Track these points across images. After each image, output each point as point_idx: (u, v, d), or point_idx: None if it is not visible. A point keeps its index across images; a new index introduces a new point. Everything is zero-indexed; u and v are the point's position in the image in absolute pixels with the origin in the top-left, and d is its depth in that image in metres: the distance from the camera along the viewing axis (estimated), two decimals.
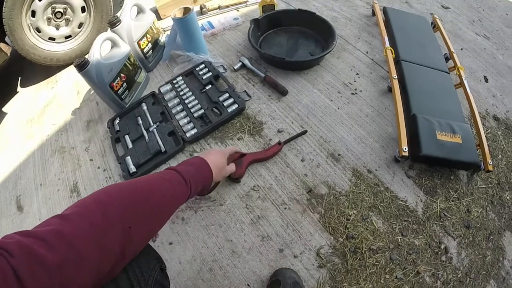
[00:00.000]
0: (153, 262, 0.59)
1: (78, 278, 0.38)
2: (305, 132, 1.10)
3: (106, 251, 0.42)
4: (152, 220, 0.53)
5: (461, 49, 1.45)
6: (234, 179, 0.99)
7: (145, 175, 0.62)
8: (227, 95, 1.18)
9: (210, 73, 1.27)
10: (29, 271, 0.33)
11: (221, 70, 1.30)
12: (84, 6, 1.56)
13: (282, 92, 1.20)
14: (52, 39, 1.57)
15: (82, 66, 1.06)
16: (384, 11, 1.45)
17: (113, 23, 1.22)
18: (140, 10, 1.35)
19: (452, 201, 0.95)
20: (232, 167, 0.90)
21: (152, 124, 1.17)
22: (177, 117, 1.17)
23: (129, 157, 1.09)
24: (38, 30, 1.52)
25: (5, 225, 1.14)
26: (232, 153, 0.96)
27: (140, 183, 0.55)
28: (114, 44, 1.20)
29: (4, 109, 1.69)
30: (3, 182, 1.30)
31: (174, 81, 1.28)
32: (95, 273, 0.40)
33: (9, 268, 0.32)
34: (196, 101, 1.19)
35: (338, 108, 1.17)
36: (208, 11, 1.69)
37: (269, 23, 1.46)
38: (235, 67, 1.34)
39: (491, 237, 0.91)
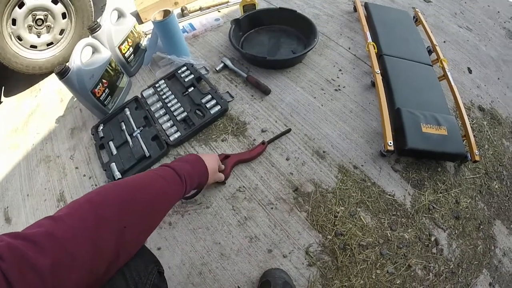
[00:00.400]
0: (151, 266, 0.58)
1: (71, 280, 0.37)
2: (289, 130, 1.09)
3: (99, 251, 0.41)
4: (146, 219, 0.52)
5: (444, 41, 1.46)
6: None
7: (140, 173, 0.62)
8: (209, 96, 1.18)
9: (192, 76, 1.26)
10: (20, 274, 0.33)
11: (203, 71, 1.30)
12: (65, 12, 1.54)
13: (265, 91, 1.20)
14: (34, 46, 1.55)
15: (63, 74, 1.05)
16: (366, 6, 1.45)
17: (93, 29, 1.21)
18: (120, 15, 1.34)
19: (441, 193, 0.96)
20: (221, 176, 0.92)
21: (135, 129, 1.16)
22: (160, 121, 1.16)
23: (114, 163, 1.07)
24: (19, 38, 1.49)
25: None
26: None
27: (133, 181, 0.55)
28: (94, 50, 1.18)
29: None
30: None
31: (157, 85, 1.27)
32: (88, 274, 0.39)
33: None
34: (179, 104, 1.18)
35: (322, 105, 1.17)
36: (189, 13, 1.68)
37: (250, 23, 1.45)
38: (217, 68, 1.33)
39: (481, 226, 0.92)
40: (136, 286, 0.51)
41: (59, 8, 1.51)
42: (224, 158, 1.00)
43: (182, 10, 1.68)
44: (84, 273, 0.39)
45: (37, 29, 1.51)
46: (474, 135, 1.03)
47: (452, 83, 1.15)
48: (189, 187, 0.67)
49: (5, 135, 1.50)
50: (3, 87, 1.82)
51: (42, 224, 0.39)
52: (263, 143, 1.05)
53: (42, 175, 1.22)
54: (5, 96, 1.76)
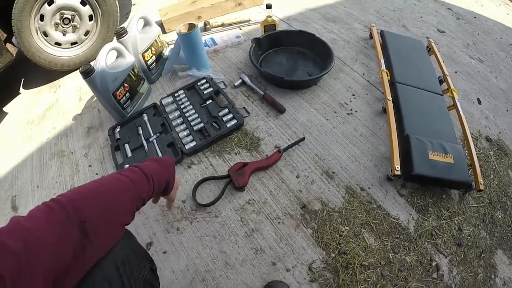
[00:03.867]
0: (144, 263, 0.62)
1: (42, 265, 0.41)
2: (303, 139, 1.13)
3: (63, 238, 0.45)
4: (107, 209, 0.54)
5: (456, 72, 1.49)
6: (238, 188, 1.01)
7: (109, 174, 0.65)
8: (226, 110, 1.21)
9: (211, 89, 1.30)
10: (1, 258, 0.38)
11: (221, 86, 1.34)
12: (92, 15, 1.59)
13: (280, 110, 1.24)
14: (58, 44, 1.60)
15: (88, 73, 1.09)
16: (381, 34, 1.50)
17: (120, 34, 1.26)
18: (146, 23, 1.39)
19: (444, 219, 0.97)
20: (172, 196, 0.88)
21: (152, 134, 1.20)
22: (177, 129, 1.19)
23: (127, 165, 1.10)
24: (45, 34, 1.55)
25: None
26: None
27: (98, 182, 0.58)
28: (119, 54, 1.23)
29: (5, 108, 1.70)
30: (0, 181, 1.30)
31: (176, 94, 1.31)
32: (56, 259, 0.43)
33: None
34: (196, 115, 1.22)
35: (334, 127, 1.20)
36: (212, 28, 1.74)
37: (270, 43, 1.50)
38: (236, 84, 1.37)
39: (482, 255, 0.92)
40: (129, 279, 0.55)
41: (86, 10, 1.57)
42: (242, 166, 1.04)
43: (205, 24, 1.74)
44: (53, 258, 0.43)
45: (63, 27, 1.57)
46: (480, 165, 1.05)
47: (461, 113, 1.17)
48: (157, 185, 0.68)
49: (20, 126, 1.54)
50: (22, 79, 1.87)
51: (13, 219, 0.45)
52: (279, 151, 1.09)
53: (54, 169, 1.25)
54: (24, 88, 1.80)
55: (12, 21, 1.41)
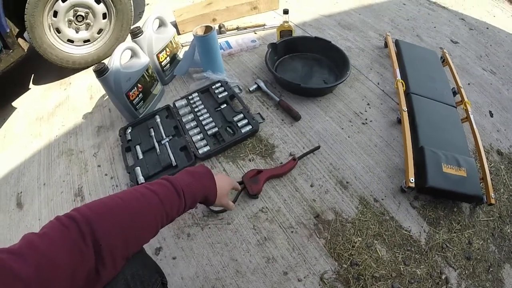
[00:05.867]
0: (155, 276, 0.60)
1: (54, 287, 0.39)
2: (318, 147, 1.13)
3: (79, 260, 0.42)
4: (128, 232, 0.51)
5: (468, 84, 1.49)
6: (252, 195, 1.00)
7: (133, 187, 0.59)
8: (241, 115, 1.21)
9: (226, 93, 1.29)
10: (5, 285, 0.34)
11: (236, 90, 1.33)
12: (106, 13, 1.59)
13: (295, 117, 1.23)
14: (70, 41, 1.60)
15: (102, 72, 1.08)
16: (396, 43, 1.50)
17: (135, 34, 1.25)
18: (162, 23, 1.38)
19: (455, 232, 0.97)
20: (230, 205, 0.88)
21: (164, 137, 1.19)
22: (191, 132, 1.18)
23: (138, 167, 1.09)
24: (58, 30, 1.55)
25: (2, 220, 1.14)
26: (234, 188, 0.94)
27: (120, 197, 0.53)
28: (134, 54, 1.22)
29: (14, 103, 1.69)
30: (5, 176, 1.30)
31: (190, 97, 1.30)
32: (70, 283, 0.41)
33: None
34: (211, 119, 1.21)
35: (349, 137, 1.20)
36: (227, 31, 1.73)
37: (286, 48, 1.49)
38: (251, 89, 1.37)
39: (491, 269, 0.92)
40: None
41: (100, 8, 1.56)
42: (256, 173, 1.03)
43: (220, 27, 1.74)
44: (65, 282, 0.40)
45: (76, 24, 1.57)
46: (491, 179, 1.04)
47: (474, 126, 1.16)
48: (189, 201, 0.63)
49: (29, 122, 1.53)
50: (32, 75, 1.87)
51: (26, 237, 0.42)
52: (294, 159, 1.08)
53: (62, 167, 1.25)
54: (34, 84, 1.80)
55: (25, 16, 1.40)
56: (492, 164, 1.17)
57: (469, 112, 1.21)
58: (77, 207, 0.48)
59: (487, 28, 1.93)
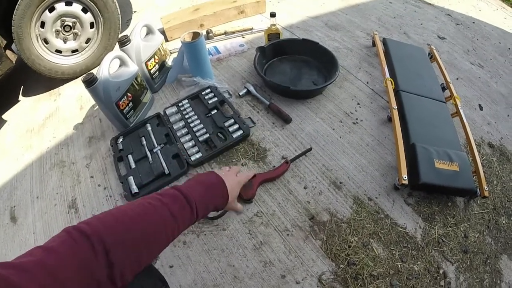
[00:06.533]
0: (159, 285, 0.60)
1: None
2: (310, 149, 1.13)
3: (88, 278, 0.41)
4: (140, 252, 0.49)
5: (457, 78, 1.51)
6: (246, 200, 1.00)
7: (144, 198, 0.56)
8: (232, 120, 1.20)
9: (216, 98, 1.29)
10: None
11: (226, 95, 1.33)
12: (93, 22, 1.58)
13: (286, 120, 1.23)
14: (58, 51, 1.58)
15: (91, 82, 1.07)
16: (384, 42, 1.51)
17: (123, 42, 1.25)
18: (149, 31, 1.38)
19: (450, 227, 0.98)
20: (240, 207, 0.84)
21: (156, 145, 1.18)
22: (182, 140, 1.18)
23: (131, 177, 1.08)
24: (45, 41, 1.53)
25: None
26: (247, 180, 0.90)
27: (132, 211, 0.51)
28: (122, 63, 1.22)
29: (4, 116, 1.67)
30: None
31: (180, 104, 1.30)
32: None
33: None
34: (202, 125, 1.21)
35: (340, 137, 1.20)
36: (215, 36, 1.73)
37: (274, 51, 1.50)
38: (240, 93, 1.37)
39: (488, 261, 0.93)
40: None
41: (88, 17, 1.56)
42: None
43: (208, 32, 1.74)
44: None
45: (64, 34, 1.55)
46: (483, 171, 1.06)
47: (465, 121, 1.18)
48: (201, 214, 0.61)
49: (19, 134, 1.52)
50: (21, 87, 1.85)
51: (34, 254, 0.40)
52: (286, 162, 1.08)
53: (55, 180, 1.23)
54: (23, 95, 1.78)
55: (12, 27, 1.39)
56: (484, 157, 1.19)
57: (459, 107, 1.23)
58: (86, 219, 0.46)
59: (473, 22, 1.97)
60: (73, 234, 0.43)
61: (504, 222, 1.03)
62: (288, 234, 0.95)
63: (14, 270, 0.36)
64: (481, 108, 1.39)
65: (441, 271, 0.89)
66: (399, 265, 0.89)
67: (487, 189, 0.99)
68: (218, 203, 0.69)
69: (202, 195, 0.62)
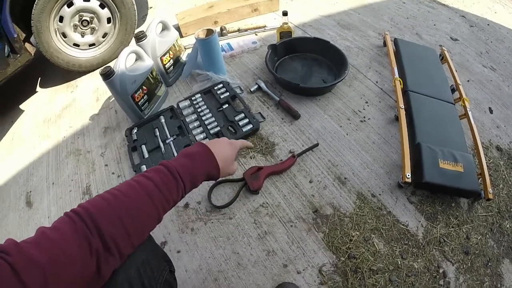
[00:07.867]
0: (163, 264, 0.64)
1: (67, 275, 0.43)
2: (317, 145, 1.16)
3: (87, 247, 0.46)
4: (125, 220, 0.52)
5: (468, 80, 1.49)
6: (252, 191, 1.04)
7: (130, 179, 0.59)
8: (242, 115, 1.24)
9: (228, 93, 1.33)
10: (24, 267, 0.38)
11: (238, 91, 1.37)
12: (110, 17, 1.63)
13: (295, 116, 1.26)
14: (76, 45, 1.64)
15: (108, 75, 1.12)
16: (395, 42, 1.51)
17: (140, 38, 1.29)
18: (165, 27, 1.42)
19: (452, 227, 0.98)
20: (234, 168, 0.79)
21: (169, 136, 1.22)
22: (194, 132, 1.22)
23: (144, 166, 1.13)
24: (64, 35, 1.59)
25: (12, 219, 1.18)
26: (243, 147, 0.86)
27: (117, 189, 0.55)
28: (138, 57, 1.26)
29: (21, 106, 1.74)
30: (14, 176, 1.34)
31: (193, 98, 1.34)
32: (81, 269, 0.44)
33: (6, 265, 0.38)
34: (213, 119, 1.25)
35: (347, 134, 1.22)
36: (228, 33, 1.77)
37: (285, 49, 1.52)
38: (252, 89, 1.40)
39: (489, 263, 0.93)
40: (149, 281, 0.57)
41: (105, 13, 1.60)
42: (257, 170, 1.07)
43: (221, 29, 1.77)
44: (77, 269, 0.44)
45: (82, 29, 1.61)
46: (490, 174, 1.05)
47: (472, 123, 1.17)
48: (188, 183, 0.63)
49: (36, 124, 1.57)
50: (39, 78, 1.92)
51: (39, 230, 0.46)
52: (293, 156, 1.11)
53: (70, 167, 1.29)
54: (41, 87, 1.85)
55: (31, 21, 1.45)
56: (491, 160, 1.17)
57: (467, 109, 1.22)
58: (81, 203, 0.52)
59: (488, 24, 1.93)
60: (70, 215, 0.49)
61: (508, 226, 1.02)
62: (291, 226, 0.98)
63: (25, 243, 0.42)
64: (491, 111, 1.37)
65: (440, 271, 0.89)
66: (399, 262, 0.90)
67: (491, 192, 0.98)
68: (207, 171, 0.68)
69: (185, 164, 0.64)
